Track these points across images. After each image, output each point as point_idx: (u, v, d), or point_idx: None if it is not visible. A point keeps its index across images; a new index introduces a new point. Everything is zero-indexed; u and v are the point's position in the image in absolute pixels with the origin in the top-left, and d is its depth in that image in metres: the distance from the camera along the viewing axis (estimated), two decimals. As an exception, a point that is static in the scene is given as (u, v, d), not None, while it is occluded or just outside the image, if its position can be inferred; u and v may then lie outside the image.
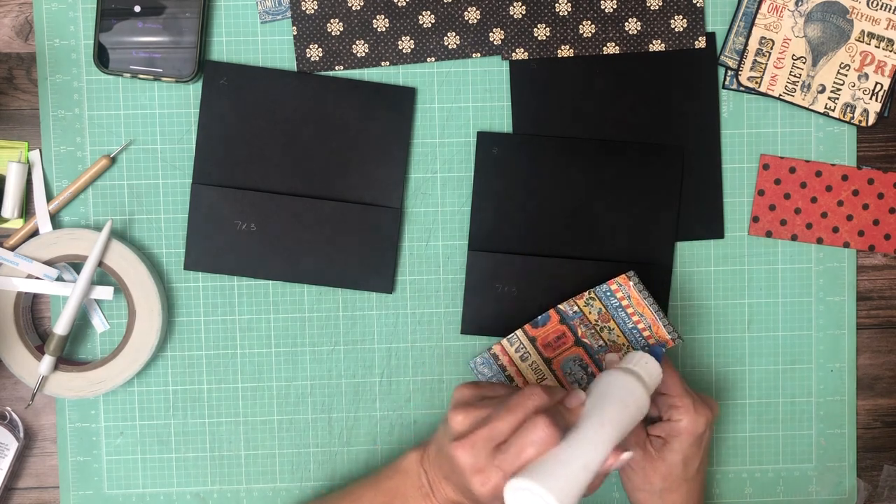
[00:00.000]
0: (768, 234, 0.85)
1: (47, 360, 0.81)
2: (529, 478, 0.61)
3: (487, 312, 0.84)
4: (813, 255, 0.85)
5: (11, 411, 0.84)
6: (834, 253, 0.86)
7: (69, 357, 0.84)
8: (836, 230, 0.85)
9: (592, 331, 0.79)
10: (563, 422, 0.65)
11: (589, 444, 0.63)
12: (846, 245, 0.85)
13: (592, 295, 0.78)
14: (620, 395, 0.67)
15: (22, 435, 0.84)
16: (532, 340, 0.81)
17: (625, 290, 0.77)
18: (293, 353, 0.85)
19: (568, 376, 0.81)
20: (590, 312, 0.79)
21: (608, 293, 0.78)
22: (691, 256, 0.85)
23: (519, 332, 0.81)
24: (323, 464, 0.86)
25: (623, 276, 0.77)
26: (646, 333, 0.77)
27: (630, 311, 0.77)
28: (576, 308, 0.79)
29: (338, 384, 0.85)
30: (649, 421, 0.78)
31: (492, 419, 0.66)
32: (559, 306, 0.79)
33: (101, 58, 0.81)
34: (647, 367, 0.70)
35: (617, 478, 0.86)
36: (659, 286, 0.84)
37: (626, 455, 0.65)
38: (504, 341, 0.81)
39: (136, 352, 0.82)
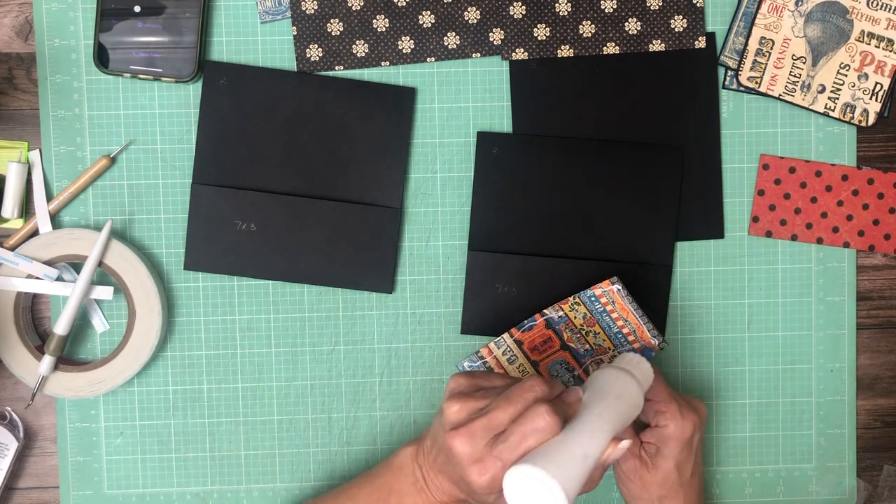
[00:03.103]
0: (768, 234, 0.85)
1: (47, 360, 0.81)
2: (532, 463, 0.60)
3: (487, 312, 0.84)
4: (813, 255, 0.85)
5: (11, 411, 0.84)
6: (834, 253, 0.86)
7: (69, 357, 0.84)
8: (836, 230, 0.85)
9: (578, 335, 0.79)
10: (562, 414, 0.64)
11: (588, 434, 0.63)
12: (846, 245, 0.85)
13: (577, 300, 0.78)
14: (616, 390, 0.67)
15: (22, 435, 0.84)
16: (518, 344, 0.81)
17: (609, 296, 0.77)
18: (293, 353, 0.85)
19: (554, 378, 0.81)
20: (575, 317, 0.79)
21: (592, 298, 0.77)
22: (691, 256, 0.85)
23: (506, 335, 0.81)
24: (323, 464, 0.86)
25: (607, 281, 0.77)
26: (631, 338, 0.77)
27: (615, 315, 0.77)
28: (561, 313, 0.79)
29: (338, 384, 0.85)
30: (640, 427, 0.78)
31: (490, 409, 0.64)
32: (545, 311, 0.79)
33: (101, 58, 0.81)
34: (641, 366, 0.71)
35: (615, 479, 0.86)
36: (659, 286, 0.84)
37: (623, 443, 0.64)
38: (491, 344, 0.81)
39: (136, 352, 0.82)
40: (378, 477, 0.74)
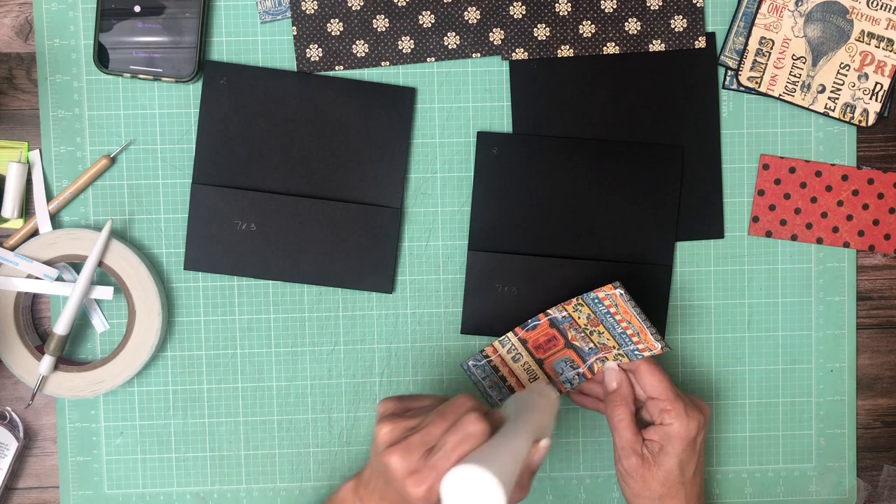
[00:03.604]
0: (768, 234, 0.85)
1: (47, 360, 0.81)
2: (466, 462, 0.62)
3: (487, 312, 0.84)
4: (813, 255, 0.85)
5: (11, 411, 0.84)
6: (834, 253, 0.86)
7: (69, 357, 0.84)
8: (835, 230, 0.85)
9: (582, 334, 0.79)
10: (490, 422, 0.66)
11: (513, 434, 0.66)
12: (846, 245, 0.85)
13: (580, 301, 0.78)
14: (532, 405, 0.72)
15: (22, 435, 0.84)
16: (523, 342, 0.81)
17: (612, 299, 0.77)
18: (293, 353, 0.85)
19: (559, 376, 0.81)
20: (579, 317, 0.79)
21: (596, 300, 0.77)
22: (691, 256, 0.85)
23: (510, 334, 0.81)
24: (323, 464, 0.86)
25: (609, 285, 0.77)
26: (634, 339, 0.77)
27: (618, 317, 0.77)
28: (565, 313, 0.79)
29: (338, 384, 0.85)
30: (643, 425, 0.78)
31: (424, 425, 0.66)
32: (548, 311, 0.79)
33: (101, 58, 0.81)
34: (550, 394, 0.77)
35: (617, 477, 0.86)
36: (659, 286, 0.84)
37: (543, 442, 0.68)
38: (496, 342, 0.81)
39: (136, 352, 0.82)
40: None
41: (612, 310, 0.77)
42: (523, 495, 0.68)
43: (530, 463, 0.67)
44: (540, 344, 0.80)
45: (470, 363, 0.82)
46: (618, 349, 0.78)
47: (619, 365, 0.79)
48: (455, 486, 0.62)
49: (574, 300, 0.78)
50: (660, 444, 0.76)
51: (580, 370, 0.80)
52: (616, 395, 0.78)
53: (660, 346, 0.76)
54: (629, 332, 0.77)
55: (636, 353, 0.77)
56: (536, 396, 0.74)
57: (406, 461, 0.65)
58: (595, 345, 0.79)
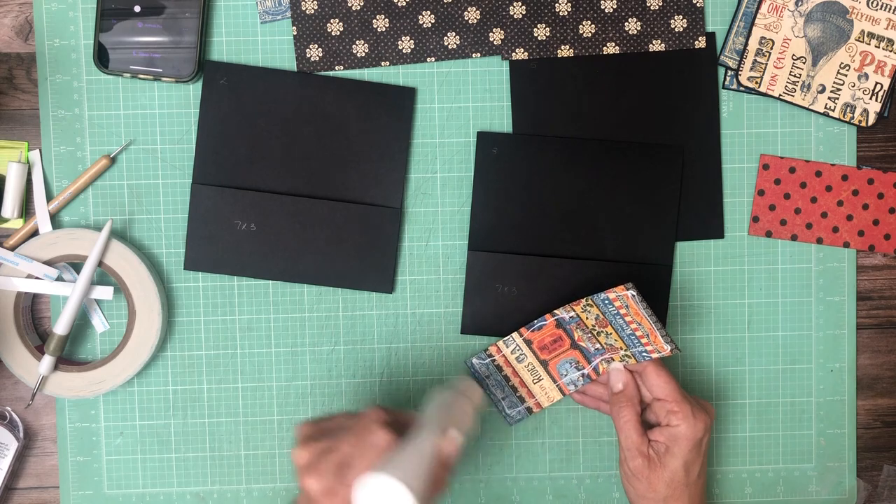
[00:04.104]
0: (768, 234, 0.85)
1: (47, 360, 0.81)
2: (371, 471, 0.63)
3: (487, 312, 0.84)
4: (813, 255, 0.85)
5: (11, 411, 0.84)
6: (834, 253, 0.86)
7: (69, 357, 0.84)
8: (835, 230, 0.85)
9: (589, 335, 0.79)
10: (397, 429, 0.67)
11: (420, 435, 0.67)
12: (846, 245, 0.85)
13: (590, 302, 0.78)
14: (444, 401, 0.73)
15: (22, 435, 0.84)
16: (528, 343, 0.81)
17: (623, 301, 0.77)
18: (293, 353, 0.85)
19: (563, 378, 0.81)
20: (587, 318, 0.79)
21: (606, 301, 0.77)
22: (691, 256, 0.85)
23: (515, 334, 0.81)
24: (323, 464, 0.85)
25: (622, 286, 0.77)
26: (644, 341, 0.77)
27: (628, 319, 0.77)
28: (573, 313, 0.79)
29: (338, 384, 0.85)
30: (647, 426, 0.78)
31: (334, 445, 0.67)
32: (555, 311, 0.79)
33: (101, 58, 0.81)
34: (471, 388, 0.76)
35: (617, 478, 0.86)
36: (659, 286, 0.84)
37: (452, 432, 0.68)
38: (500, 342, 0.81)
39: (136, 352, 0.82)
40: None
41: (623, 311, 0.77)
42: (441, 489, 0.68)
43: (442, 459, 0.67)
44: (545, 344, 0.80)
45: (474, 360, 0.82)
46: (625, 350, 0.78)
47: (624, 366, 0.79)
48: (364, 496, 0.63)
49: (583, 301, 0.78)
50: (666, 446, 0.76)
51: (585, 371, 0.80)
52: (622, 397, 0.78)
53: (669, 347, 0.76)
54: (638, 333, 0.77)
55: (644, 354, 0.77)
56: (453, 394, 0.74)
57: (321, 482, 0.65)
58: (602, 346, 0.79)
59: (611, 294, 0.77)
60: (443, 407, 0.72)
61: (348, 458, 0.66)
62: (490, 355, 0.82)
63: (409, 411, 0.72)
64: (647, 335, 0.77)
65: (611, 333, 0.78)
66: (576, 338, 0.80)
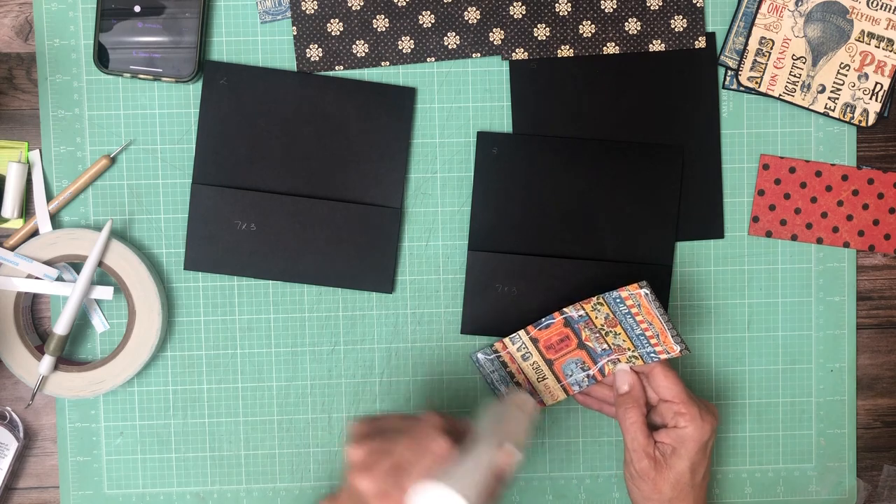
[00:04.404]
0: (768, 234, 0.85)
1: (47, 360, 0.81)
2: (429, 480, 0.63)
3: (487, 312, 0.84)
4: (813, 255, 0.85)
5: (11, 411, 0.84)
6: (834, 253, 0.86)
7: (69, 357, 0.84)
8: (835, 230, 0.85)
9: (597, 335, 0.79)
10: (456, 438, 0.67)
11: (479, 448, 0.67)
12: (846, 245, 0.85)
13: (601, 300, 0.78)
14: (502, 415, 0.73)
15: (22, 435, 0.84)
16: (534, 341, 0.81)
17: (636, 300, 0.76)
18: (293, 353, 0.85)
19: (568, 378, 0.81)
20: (596, 317, 0.79)
21: (618, 300, 0.77)
22: (691, 256, 0.85)
23: (521, 332, 0.81)
24: (323, 464, 0.86)
25: (635, 284, 0.76)
26: (653, 341, 0.77)
27: (639, 318, 0.77)
28: (582, 312, 0.79)
29: (338, 384, 0.85)
30: (652, 428, 0.78)
31: (392, 447, 0.67)
32: (564, 310, 0.79)
33: (101, 58, 0.81)
34: (524, 401, 0.75)
35: (617, 478, 0.86)
36: (659, 286, 0.84)
37: (508, 446, 0.68)
38: (506, 339, 0.81)
39: (136, 352, 0.82)
40: None
41: (634, 310, 0.77)
42: (494, 501, 0.68)
43: (499, 473, 0.67)
44: (552, 344, 0.80)
45: (479, 355, 0.82)
46: (632, 351, 0.78)
47: (631, 367, 0.79)
48: (417, 502, 0.63)
49: (594, 299, 0.78)
50: (672, 447, 0.76)
51: (590, 372, 0.80)
52: (628, 398, 0.78)
53: (678, 348, 0.76)
54: (648, 333, 0.77)
55: (652, 355, 0.77)
56: (510, 407, 0.74)
57: (375, 484, 0.65)
58: (609, 346, 0.79)
59: (623, 293, 0.76)
60: (499, 420, 0.71)
61: (405, 462, 0.66)
62: (496, 351, 0.82)
63: (464, 420, 0.71)
64: (658, 335, 0.77)
65: (619, 333, 0.78)
66: (583, 337, 0.79)
